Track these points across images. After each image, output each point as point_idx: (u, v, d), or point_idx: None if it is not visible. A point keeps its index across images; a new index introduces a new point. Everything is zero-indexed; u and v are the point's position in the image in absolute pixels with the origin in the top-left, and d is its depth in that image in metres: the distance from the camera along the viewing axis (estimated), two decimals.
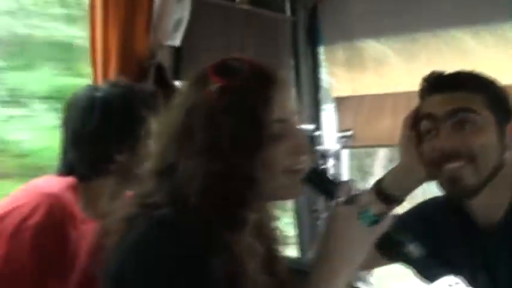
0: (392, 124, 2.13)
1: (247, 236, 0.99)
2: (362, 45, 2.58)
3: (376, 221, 0.95)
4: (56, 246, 1.43)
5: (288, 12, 2.65)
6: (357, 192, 0.98)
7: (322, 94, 2.71)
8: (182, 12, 2.03)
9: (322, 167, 1.09)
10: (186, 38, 2.12)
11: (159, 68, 2.00)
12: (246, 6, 2.44)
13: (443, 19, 2.31)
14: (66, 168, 1.57)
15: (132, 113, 1.56)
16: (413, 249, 0.96)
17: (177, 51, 2.17)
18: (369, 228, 0.95)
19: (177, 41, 2.05)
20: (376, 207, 0.97)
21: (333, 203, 0.98)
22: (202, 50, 2.30)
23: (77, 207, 1.50)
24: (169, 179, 0.97)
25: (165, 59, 2.07)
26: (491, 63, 2.19)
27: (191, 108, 0.97)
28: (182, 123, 0.97)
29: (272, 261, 1.06)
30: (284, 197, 1.06)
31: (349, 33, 2.58)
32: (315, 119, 2.69)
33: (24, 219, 1.41)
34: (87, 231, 1.54)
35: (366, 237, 0.95)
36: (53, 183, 1.52)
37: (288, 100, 1.02)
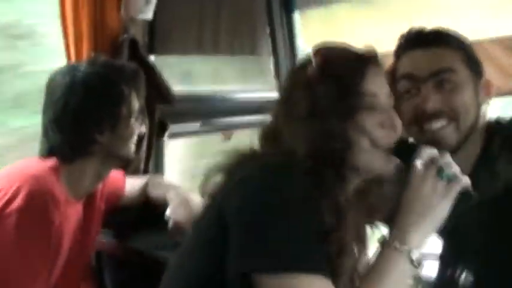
0: None
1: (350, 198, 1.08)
2: (337, 8, 2.56)
3: (452, 179, 1.03)
4: (40, 230, 1.42)
5: None
6: (436, 155, 1.05)
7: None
8: None
9: None
10: (158, 11, 2.08)
11: (133, 43, 1.97)
12: None
13: None
14: (48, 150, 1.55)
15: (112, 91, 1.55)
16: None
17: (150, 26, 2.14)
18: (446, 185, 1.02)
19: (148, 14, 2.02)
20: (453, 167, 1.05)
21: (412, 165, 1.05)
22: (176, 22, 2.27)
23: (59, 189, 1.49)
24: (273, 140, 1.09)
25: (138, 33, 2.04)
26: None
27: (294, 82, 1.12)
28: (286, 96, 1.12)
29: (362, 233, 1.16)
30: (378, 170, 1.10)
31: None
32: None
33: (7, 203, 1.40)
34: (70, 213, 1.54)
35: (444, 195, 1.02)
36: (34, 165, 1.51)
37: (381, 79, 1.11)
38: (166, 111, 2.15)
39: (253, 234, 0.96)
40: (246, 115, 2.47)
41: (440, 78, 1.22)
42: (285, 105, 1.11)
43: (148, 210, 1.83)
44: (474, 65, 1.26)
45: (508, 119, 1.30)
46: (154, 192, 1.80)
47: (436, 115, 1.21)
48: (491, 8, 2.21)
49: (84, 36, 1.88)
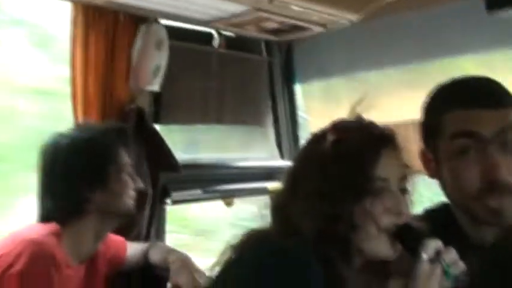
0: None
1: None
2: (336, 82, 2.65)
3: (457, 279, 0.99)
4: None
5: (264, 53, 2.73)
6: (441, 249, 1.02)
7: (300, 131, 2.76)
8: (160, 59, 2.09)
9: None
10: (165, 83, 2.17)
11: (139, 112, 2.05)
12: (222, 50, 2.51)
13: (415, 54, 2.39)
14: (44, 215, 1.59)
15: (96, 149, 1.59)
16: None
17: (156, 96, 2.23)
18: (453, 286, 0.99)
19: (156, 86, 2.11)
20: (459, 265, 1.01)
21: (418, 259, 1.02)
22: (181, 94, 2.35)
23: (60, 252, 1.51)
24: (282, 217, 1.09)
25: (145, 103, 2.12)
26: None
27: (307, 157, 1.12)
28: (298, 169, 1.12)
29: None
30: (381, 256, 1.08)
31: (323, 71, 2.65)
32: (295, 155, 2.72)
33: (8, 267, 1.43)
34: (72, 276, 1.56)
35: None
36: (35, 229, 1.55)
37: (395, 162, 1.09)
38: (170, 178, 2.20)
39: None
40: (247, 182, 2.52)
41: (505, 138, 1.10)
42: (295, 180, 1.10)
43: (150, 276, 1.84)
44: None
45: None
46: (156, 257, 1.81)
47: (505, 186, 1.09)
48: None
49: (93, 106, 1.96)
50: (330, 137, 1.08)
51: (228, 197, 2.50)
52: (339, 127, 1.11)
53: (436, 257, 1.00)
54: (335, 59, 2.61)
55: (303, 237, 1.03)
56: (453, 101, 1.16)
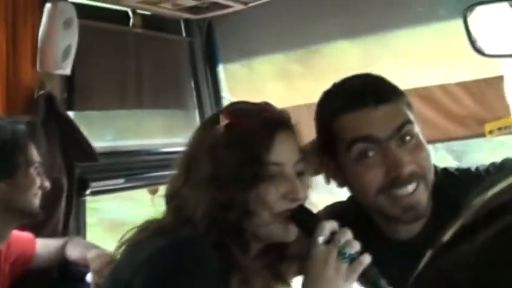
0: None
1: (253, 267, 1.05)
2: (260, 62, 2.60)
3: (355, 258, 0.99)
4: None
5: (184, 32, 2.62)
6: (336, 230, 1.01)
7: None
8: (70, 40, 1.94)
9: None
10: (77, 66, 2.04)
11: (50, 99, 1.90)
12: (139, 30, 2.39)
13: (331, 34, 2.38)
14: None
15: (6, 141, 1.51)
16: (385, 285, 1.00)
17: (69, 81, 2.09)
18: (349, 266, 0.99)
19: (66, 69, 1.96)
20: (354, 245, 1.00)
21: (313, 241, 1.01)
22: (96, 78, 2.22)
23: None
24: (175, 206, 1.05)
25: (55, 89, 1.98)
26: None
27: (200, 142, 1.07)
28: (191, 154, 1.07)
29: None
30: (277, 239, 1.07)
31: (246, 51, 2.59)
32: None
33: None
34: None
35: (346, 276, 0.99)
36: None
37: (290, 146, 1.06)
38: (88, 168, 2.07)
39: None
40: (172, 169, 2.42)
41: (402, 134, 1.10)
42: (187, 165, 1.06)
43: (69, 273, 1.73)
44: (412, 110, 1.16)
45: (452, 167, 1.22)
46: (74, 254, 1.71)
47: (410, 178, 1.09)
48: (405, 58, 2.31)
49: None
50: (223, 121, 1.05)
51: (152, 185, 2.40)
52: (232, 111, 1.08)
53: (332, 238, 1.00)
54: (258, 37, 2.56)
55: (196, 225, 1.01)
56: (338, 106, 1.14)
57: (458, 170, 1.21)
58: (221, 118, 1.06)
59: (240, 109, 1.09)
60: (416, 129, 1.13)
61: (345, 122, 1.13)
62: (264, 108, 1.08)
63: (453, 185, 1.15)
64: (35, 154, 1.56)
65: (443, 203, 1.13)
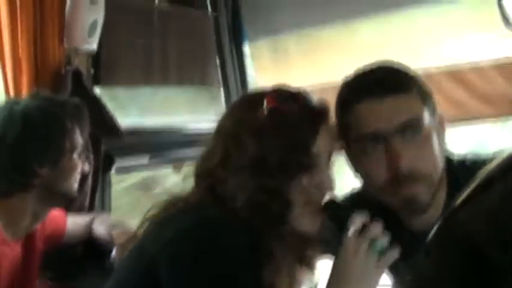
0: None
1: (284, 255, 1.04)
2: (286, 39, 2.56)
3: (384, 252, 1.00)
4: None
5: (209, 9, 2.59)
6: (367, 223, 1.02)
7: (250, 90, 2.67)
8: (96, 16, 1.93)
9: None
10: (104, 42, 2.03)
11: (77, 75, 1.90)
12: (165, 5, 2.37)
13: (359, 11, 2.33)
14: None
15: (53, 125, 1.50)
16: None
17: (95, 57, 2.08)
18: (378, 259, 1.00)
19: (93, 45, 1.96)
20: (384, 239, 1.01)
21: (345, 233, 1.01)
22: (122, 54, 2.22)
23: None
24: (208, 185, 1.02)
25: (82, 64, 1.98)
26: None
27: (241, 122, 1.03)
28: (230, 134, 1.03)
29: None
30: (308, 231, 1.06)
31: (272, 28, 2.56)
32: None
33: None
34: (6, 254, 1.47)
35: (375, 269, 1.00)
36: None
37: (328, 138, 1.06)
38: (113, 145, 2.08)
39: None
40: (197, 146, 2.42)
41: (407, 131, 1.09)
42: (224, 147, 1.03)
43: (94, 249, 1.75)
44: (430, 102, 1.14)
45: (470, 157, 1.19)
46: (100, 231, 1.73)
47: (410, 177, 1.09)
48: (433, 35, 2.25)
49: (24, 71, 1.80)
50: (268, 106, 1.02)
51: (177, 163, 2.40)
52: (276, 95, 1.05)
53: (363, 231, 1.01)
54: (284, 14, 2.52)
55: (231, 208, 0.99)
56: (350, 97, 1.14)
57: (476, 158, 1.18)
58: (265, 101, 1.03)
59: (284, 94, 1.07)
60: (427, 123, 1.11)
61: (353, 113, 1.13)
62: (306, 97, 1.07)
63: (469, 174, 1.10)
64: (79, 139, 1.55)
65: (456, 192, 1.10)
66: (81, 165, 1.56)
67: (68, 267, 1.77)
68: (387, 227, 1.05)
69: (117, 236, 1.65)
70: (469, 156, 1.19)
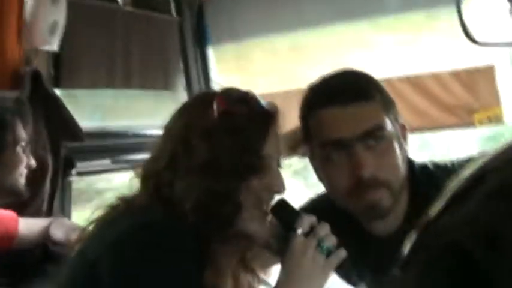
0: (283, 122, 2.12)
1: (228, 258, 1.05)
2: (250, 44, 2.57)
3: (331, 252, 1.01)
4: None
5: (174, 13, 2.58)
6: (315, 224, 1.02)
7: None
8: (57, 15, 1.90)
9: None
10: (65, 42, 1.99)
11: (36, 75, 1.86)
12: (129, 8, 2.34)
13: (324, 16, 2.35)
14: None
15: None
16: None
17: (56, 58, 2.04)
18: (326, 259, 1.00)
19: (53, 45, 1.92)
20: (332, 239, 1.01)
21: (292, 234, 1.01)
22: (84, 55, 2.18)
23: None
24: (153, 186, 1.00)
25: (42, 65, 1.94)
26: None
27: (190, 124, 1.02)
28: (179, 136, 1.01)
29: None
30: (253, 230, 1.04)
31: (236, 32, 2.56)
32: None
33: None
34: None
35: (323, 268, 1.00)
36: None
37: (277, 139, 1.06)
38: (74, 148, 2.04)
39: None
40: None
41: (369, 138, 1.10)
42: (177, 149, 1.01)
43: (52, 254, 1.71)
44: (392, 109, 1.15)
45: (431, 163, 1.21)
46: (57, 235, 1.68)
47: (372, 183, 1.10)
48: (397, 45, 2.30)
49: None
50: (218, 107, 1.01)
51: (139, 167, 2.36)
52: (226, 97, 1.04)
53: (310, 231, 1.01)
54: (249, 19, 2.53)
55: (176, 210, 0.97)
56: (314, 102, 1.15)
57: (435, 164, 1.21)
58: (215, 103, 1.02)
59: (235, 96, 1.05)
60: (390, 131, 1.12)
61: (316, 119, 1.14)
62: (255, 99, 1.06)
63: (430, 181, 1.16)
64: (22, 132, 1.53)
65: (418, 199, 1.15)
66: (26, 160, 1.54)
67: (24, 273, 1.72)
68: (346, 231, 1.06)
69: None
70: (430, 163, 1.21)
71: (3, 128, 1.48)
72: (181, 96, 2.61)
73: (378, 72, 1.24)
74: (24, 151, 1.54)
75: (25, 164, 1.54)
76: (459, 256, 0.38)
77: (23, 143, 1.53)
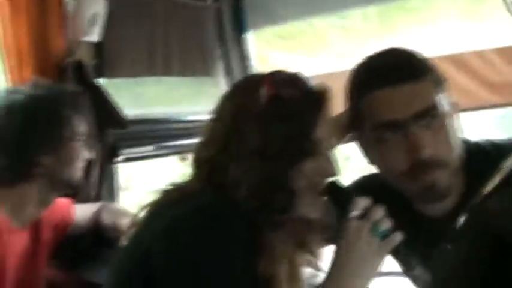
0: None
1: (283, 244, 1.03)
2: (289, 28, 2.55)
3: (386, 235, 0.99)
4: None
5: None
6: (370, 207, 1.00)
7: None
8: (98, 7, 1.93)
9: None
10: (106, 33, 2.03)
11: (79, 66, 1.90)
12: None
13: None
14: None
15: (54, 114, 1.51)
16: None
17: (98, 48, 2.08)
18: (380, 243, 0.98)
19: (94, 36, 1.96)
20: (386, 222, 1.00)
21: (347, 217, 1.00)
22: (125, 45, 2.21)
23: (0, 217, 1.43)
24: (207, 172, 1.00)
25: (84, 56, 1.97)
26: None
27: (240, 109, 1.01)
28: (228, 122, 1.01)
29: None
30: (307, 214, 1.05)
31: (274, 16, 2.55)
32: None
33: None
34: (14, 243, 1.49)
35: (377, 252, 0.99)
36: None
37: (328, 122, 1.04)
38: (118, 135, 2.08)
39: (185, 277, 0.93)
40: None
41: (424, 118, 1.08)
42: (228, 134, 1.01)
43: (102, 238, 1.76)
44: (443, 88, 1.13)
45: (485, 141, 1.18)
46: (107, 220, 1.73)
47: (431, 163, 1.08)
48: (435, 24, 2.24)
49: (26, 61, 1.80)
50: (267, 91, 1.00)
51: (182, 153, 2.40)
52: (275, 81, 1.02)
53: (365, 214, 1.00)
54: (286, 3, 2.51)
55: (230, 195, 0.97)
56: (361, 84, 1.13)
57: (491, 143, 1.18)
58: (264, 87, 1.01)
59: (283, 79, 1.04)
60: (443, 110, 1.09)
61: (367, 100, 1.11)
62: (304, 81, 1.04)
63: (484, 160, 1.12)
64: (79, 126, 1.55)
65: (474, 179, 1.08)
66: (83, 153, 1.57)
67: (76, 257, 1.78)
68: (398, 212, 1.04)
69: (124, 225, 1.66)
70: (486, 141, 1.18)
71: (62, 122, 1.50)
72: (221, 82, 2.63)
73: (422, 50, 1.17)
74: (81, 145, 1.56)
75: (82, 157, 1.56)
76: (497, 238, 0.40)
77: (81, 137, 1.55)
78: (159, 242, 0.94)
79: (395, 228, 1.00)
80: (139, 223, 1.02)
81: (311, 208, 1.03)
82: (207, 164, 1.02)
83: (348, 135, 1.25)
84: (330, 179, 1.04)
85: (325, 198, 1.04)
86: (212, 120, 1.05)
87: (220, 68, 2.61)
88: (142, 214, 1.03)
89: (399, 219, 1.10)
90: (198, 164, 1.04)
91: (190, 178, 1.04)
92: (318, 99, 1.03)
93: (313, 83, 1.05)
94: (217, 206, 0.96)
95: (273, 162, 0.97)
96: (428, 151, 1.07)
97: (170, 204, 0.99)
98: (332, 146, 1.05)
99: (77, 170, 1.56)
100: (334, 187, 1.05)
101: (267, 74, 1.05)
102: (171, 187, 1.04)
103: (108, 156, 2.04)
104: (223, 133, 1.01)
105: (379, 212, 1.00)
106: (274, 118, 0.98)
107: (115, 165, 2.14)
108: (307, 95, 1.02)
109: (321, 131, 1.02)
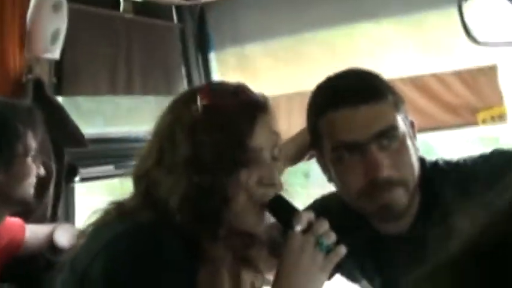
0: (288, 125, 2.12)
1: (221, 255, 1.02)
2: (252, 49, 2.57)
3: (331, 249, 0.97)
4: None
5: (175, 18, 2.59)
6: (314, 221, 0.99)
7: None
8: (59, 24, 1.90)
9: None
10: (66, 50, 2.00)
11: (38, 83, 1.87)
12: (130, 15, 2.35)
13: (325, 20, 2.36)
14: None
15: (4, 129, 1.47)
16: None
17: (58, 66, 2.05)
18: (325, 256, 0.97)
19: (55, 53, 1.92)
20: (331, 236, 0.98)
21: (290, 231, 0.98)
22: (86, 63, 2.19)
23: None
24: (144, 188, 0.99)
25: (43, 73, 1.94)
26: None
27: (174, 121, 1.00)
28: (164, 133, 1.00)
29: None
30: (251, 229, 1.02)
31: (238, 38, 2.56)
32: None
33: None
34: None
35: (322, 266, 0.97)
36: None
37: (268, 130, 1.02)
38: (77, 154, 2.04)
39: None
40: None
41: (383, 139, 1.08)
42: (160, 145, 0.99)
43: (57, 260, 1.71)
44: (403, 108, 1.13)
45: (442, 160, 1.19)
46: (62, 240, 1.69)
47: (389, 183, 1.08)
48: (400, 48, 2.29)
49: None
50: (202, 101, 0.99)
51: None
52: (210, 91, 1.02)
53: (309, 228, 0.98)
54: (250, 23, 2.53)
55: (164, 210, 0.95)
56: (322, 104, 1.13)
57: (447, 163, 1.19)
58: (199, 98, 0.99)
59: (218, 90, 1.03)
60: (402, 130, 1.10)
61: (327, 120, 1.11)
62: (243, 90, 1.03)
63: (441, 179, 1.15)
64: (32, 143, 1.52)
65: (430, 199, 1.14)
66: (35, 169, 1.53)
67: (28, 279, 1.73)
68: (357, 231, 1.04)
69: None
70: (441, 160, 1.20)
71: (15, 138, 1.47)
72: None
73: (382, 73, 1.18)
74: (34, 161, 1.52)
75: (35, 173, 1.53)
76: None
77: (33, 153, 1.52)
78: (93, 266, 0.92)
79: (341, 242, 0.99)
80: (78, 245, 1.00)
81: (252, 221, 1.01)
82: (144, 178, 0.99)
83: (308, 152, 1.25)
84: (275, 193, 1.01)
85: (268, 211, 1.01)
86: (151, 134, 1.03)
87: (183, 87, 2.60)
88: (83, 235, 1.00)
89: (358, 238, 1.12)
90: (136, 180, 1.02)
91: (130, 194, 1.02)
92: (253, 107, 1.00)
93: (255, 93, 1.04)
94: (151, 225, 0.93)
95: (205, 172, 0.95)
96: (386, 171, 1.07)
97: (105, 225, 0.97)
98: (275, 155, 1.03)
99: (29, 187, 1.52)
100: (278, 200, 1.02)
101: (205, 85, 1.04)
102: (111, 206, 1.01)
103: (66, 175, 2.00)
104: (158, 146, 0.99)
105: (323, 225, 0.98)
106: (207, 128, 0.97)
107: (72, 185, 2.10)
108: (242, 104, 0.99)
109: (260, 141, 0.99)
